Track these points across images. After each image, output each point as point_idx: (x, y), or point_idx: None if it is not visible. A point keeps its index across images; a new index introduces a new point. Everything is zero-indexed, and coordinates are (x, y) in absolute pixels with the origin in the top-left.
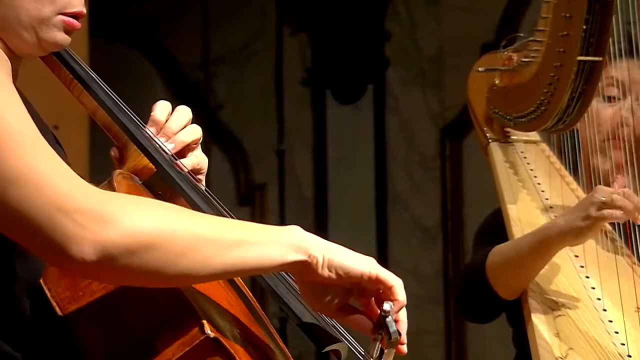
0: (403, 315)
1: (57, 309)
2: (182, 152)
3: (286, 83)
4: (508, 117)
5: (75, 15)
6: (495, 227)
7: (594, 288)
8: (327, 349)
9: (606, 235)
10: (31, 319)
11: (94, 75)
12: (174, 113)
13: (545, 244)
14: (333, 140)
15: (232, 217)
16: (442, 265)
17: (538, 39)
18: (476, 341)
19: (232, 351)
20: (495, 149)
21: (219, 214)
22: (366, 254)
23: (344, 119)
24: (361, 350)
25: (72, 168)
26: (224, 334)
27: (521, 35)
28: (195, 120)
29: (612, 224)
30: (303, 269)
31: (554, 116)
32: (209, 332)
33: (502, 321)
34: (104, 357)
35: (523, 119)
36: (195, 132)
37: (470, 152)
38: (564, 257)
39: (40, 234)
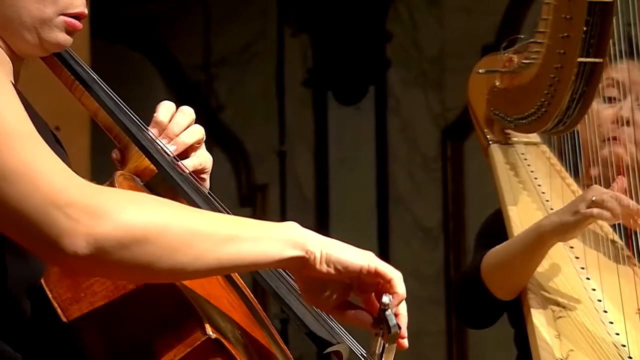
0: (403, 308)
1: (59, 310)
2: (186, 153)
3: (287, 84)
4: (508, 118)
5: (76, 16)
6: (496, 229)
7: (594, 290)
8: (329, 350)
9: (607, 237)
10: (32, 319)
11: (95, 76)
12: (176, 114)
13: (537, 238)
14: (334, 141)
15: None
16: (443, 267)
17: (538, 41)
18: (477, 342)
19: (233, 352)
20: (495, 150)
21: None
22: None
23: (345, 120)
24: (362, 351)
25: (73, 169)
26: (225, 335)
27: (521, 36)
28: (196, 121)
29: (613, 226)
30: (300, 265)
31: (554, 118)
32: (210, 333)
33: (503, 323)
34: (105, 357)
35: (523, 121)
36: (197, 133)
37: (471, 153)
38: (565, 259)
39: (33, 229)
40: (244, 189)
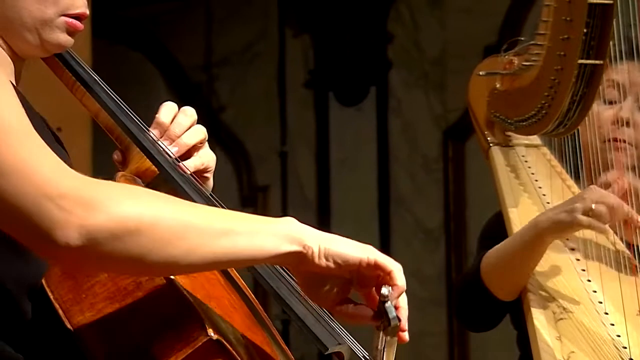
0: (403, 301)
1: (60, 312)
2: (188, 153)
3: (289, 85)
4: (509, 120)
5: (78, 17)
6: (497, 231)
7: (595, 291)
8: (330, 351)
9: (608, 239)
10: (33, 320)
11: (96, 77)
12: (178, 115)
13: (535, 236)
14: (336, 142)
15: None
16: (444, 267)
17: (539, 43)
18: (479, 343)
19: (234, 353)
20: (496, 152)
21: None
22: None
23: (346, 121)
24: (364, 352)
25: (75, 170)
26: (226, 336)
27: (522, 39)
28: (197, 121)
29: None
30: (298, 260)
31: (554, 120)
32: (212, 334)
33: (504, 324)
34: (106, 358)
35: (524, 123)
36: (199, 134)
37: (472, 154)
38: (566, 261)
39: (26, 221)
40: (245, 190)
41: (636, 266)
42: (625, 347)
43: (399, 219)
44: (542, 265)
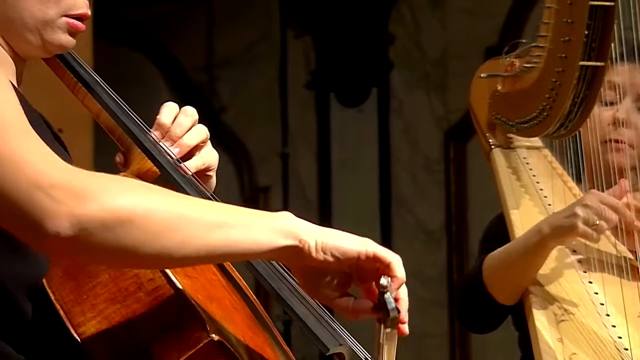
0: (403, 293)
1: (61, 312)
2: (190, 153)
3: (290, 86)
4: (510, 122)
5: (79, 17)
6: (498, 233)
7: (597, 293)
8: (331, 351)
9: (609, 240)
10: (34, 321)
11: (97, 78)
12: (179, 115)
13: (537, 241)
14: (337, 143)
15: None
16: (446, 269)
17: (540, 45)
18: (480, 345)
19: (235, 354)
20: (497, 154)
21: None
22: None
23: (348, 121)
24: (365, 353)
25: None
26: (227, 337)
27: (523, 41)
28: (199, 122)
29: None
30: (294, 255)
31: (556, 121)
32: (213, 335)
33: (506, 325)
34: (107, 359)
35: (525, 125)
36: (200, 134)
37: (474, 155)
38: (567, 262)
39: (17, 211)
40: (247, 191)
41: (637, 268)
42: (627, 349)
43: (401, 220)
44: (543, 267)
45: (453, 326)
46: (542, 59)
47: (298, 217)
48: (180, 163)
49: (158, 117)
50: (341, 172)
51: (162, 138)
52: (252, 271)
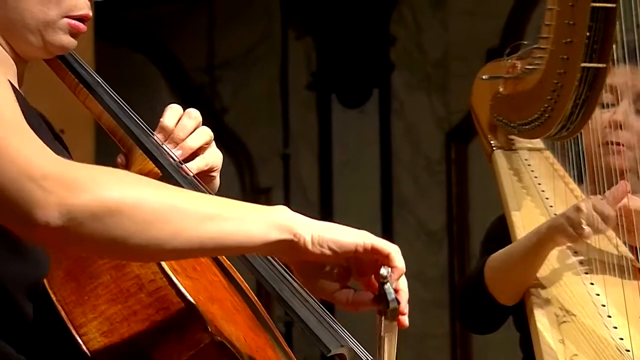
0: (403, 284)
1: (63, 313)
2: (193, 154)
3: (291, 87)
4: (512, 124)
5: (81, 18)
6: (500, 235)
7: (598, 294)
8: (333, 353)
9: (611, 242)
10: (35, 321)
11: (99, 79)
12: (182, 118)
13: (537, 242)
14: (338, 144)
15: None
16: (447, 270)
17: (542, 46)
18: (481, 345)
19: (237, 355)
20: (499, 156)
21: None
22: None
23: (349, 122)
24: (367, 354)
25: None
26: (228, 339)
27: (525, 42)
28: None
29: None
30: (289, 249)
31: (557, 123)
32: (214, 336)
33: (507, 326)
34: None
35: (527, 126)
36: (204, 136)
37: (475, 156)
38: (569, 264)
39: (9, 202)
40: (248, 192)
41: (639, 269)
42: (628, 350)
43: (402, 221)
44: (545, 268)
45: (454, 327)
46: (544, 61)
47: None
48: (182, 164)
49: (161, 119)
50: (342, 173)
51: (165, 140)
52: (253, 272)
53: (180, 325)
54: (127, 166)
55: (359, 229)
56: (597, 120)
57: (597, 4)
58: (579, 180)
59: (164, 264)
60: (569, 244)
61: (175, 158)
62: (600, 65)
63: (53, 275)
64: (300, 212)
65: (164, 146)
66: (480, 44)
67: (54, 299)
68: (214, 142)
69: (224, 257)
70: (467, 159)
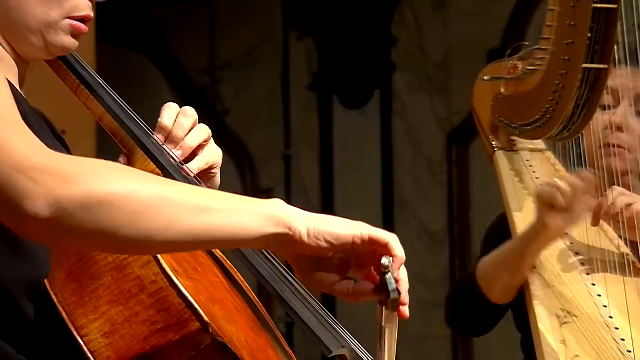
0: (403, 274)
1: (64, 314)
2: (193, 153)
3: (293, 88)
4: (513, 125)
5: (82, 19)
6: (500, 234)
7: (600, 295)
8: (334, 353)
9: (612, 243)
10: (36, 322)
11: (100, 80)
12: (179, 117)
13: (527, 233)
14: (339, 145)
15: None
16: (448, 270)
17: (543, 47)
18: (482, 347)
19: (238, 356)
20: (500, 157)
21: None
22: None
23: (350, 124)
24: (368, 355)
25: None
26: (230, 339)
27: (526, 43)
28: (202, 124)
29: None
30: (285, 243)
31: (559, 124)
32: (216, 336)
33: (508, 327)
34: None
35: (528, 127)
36: (202, 134)
37: (476, 157)
38: (570, 264)
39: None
40: (249, 193)
41: None
42: (630, 351)
43: (403, 222)
44: (546, 269)
45: None
46: (545, 62)
47: None
48: (183, 165)
49: (159, 119)
50: (344, 174)
51: (165, 140)
52: (254, 273)
53: (182, 327)
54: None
55: None
56: (598, 122)
57: (599, 5)
58: None
59: (165, 265)
60: (570, 244)
61: (176, 159)
62: (601, 66)
63: (54, 276)
64: None
65: (164, 147)
66: (481, 45)
67: (55, 300)
68: (212, 140)
69: (225, 258)
70: (468, 159)
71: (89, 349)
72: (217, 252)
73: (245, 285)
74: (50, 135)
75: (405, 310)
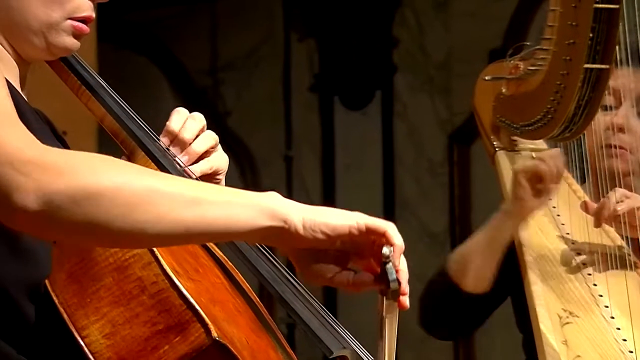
0: (403, 264)
1: (65, 316)
2: (199, 159)
3: (294, 89)
4: (515, 125)
5: (84, 20)
6: None
7: (601, 296)
8: (335, 354)
9: (614, 243)
10: (37, 323)
11: (101, 81)
12: (187, 121)
13: (501, 216)
14: (341, 146)
15: None
16: None
17: (544, 47)
18: (484, 347)
19: (239, 357)
20: (502, 157)
21: None
22: None
23: (351, 125)
24: (369, 356)
25: None
26: (231, 340)
27: (528, 43)
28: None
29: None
30: (280, 236)
31: (560, 124)
32: (217, 338)
33: (510, 327)
34: None
35: (530, 127)
36: (209, 140)
37: (478, 157)
38: (572, 265)
39: None
40: None
41: None
42: (632, 352)
43: (404, 223)
44: (547, 270)
45: None
46: (547, 62)
47: None
48: (185, 167)
49: (168, 123)
50: (345, 175)
51: (171, 143)
52: (255, 274)
53: (183, 327)
54: None
55: None
56: (599, 123)
57: (600, 5)
58: (582, 181)
59: (166, 266)
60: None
61: (182, 164)
62: (603, 66)
63: (55, 277)
64: None
65: (170, 151)
66: (482, 46)
67: (56, 301)
68: (220, 146)
69: (226, 259)
70: (469, 160)
71: (90, 350)
72: (219, 253)
73: (246, 286)
74: (52, 136)
75: (406, 300)
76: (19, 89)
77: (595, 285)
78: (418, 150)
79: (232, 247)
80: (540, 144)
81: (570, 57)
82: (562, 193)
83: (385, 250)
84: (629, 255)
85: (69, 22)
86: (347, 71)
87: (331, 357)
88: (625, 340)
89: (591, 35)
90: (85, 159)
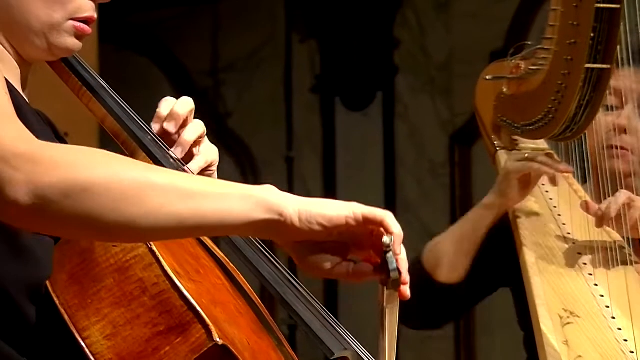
0: (403, 252)
1: (66, 317)
2: (190, 152)
3: (295, 90)
4: (516, 125)
5: (85, 21)
6: (501, 234)
7: (602, 295)
8: (336, 355)
9: (615, 243)
10: (38, 324)
11: (102, 82)
12: (175, 104)
13: (483, 208)
14: (342, 147)
15: None
16: None
17: (546, 47)
18: (484, 348)
19: (240, 358)
20: (503, 157)
21: None
22: None
23: (353, 126)
24: (370, 357)
25: None
26: (232, 342)
27: (529, 43)
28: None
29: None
30: (276, 230)
31: (562, 124)
32: (218, 339)
33: (511, 327)
34: None
35: (531, 127)
36: (198, 128)
37: (479, 158)
38: (573, 265)
39: None
40: None
41: None
42: (633, 352)
43: (406, 224)
44: (548, 270)
45: (458, 329)
46: (548, 62)
47: None
48: (184, 165)
49: (157, 110)
50: (346, 176)
51: (160, 128)
52: (257, 276)
53: (184, 329)
54: None
55: None
56: (601, 123)
57: (602, 5)
58: (583, 181)
59: (167, 267)
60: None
61: (176, 158)
62: (604, 66)
63: (56, 278)
64: None
65: (170, 151)
66: (484, 47)
67: (57, 302)
68: (206, 137)
69: (227, 260)
70: (470, 161)
71: (90, 351)
72: (220, 254)
73: (247, 287)
74: (53, 137)
75: (406, 289)
76: (20, 90)
77: (596, 285)
78: (419, 151)
79: (234, 247)
80: (541, 143)
81: (571, 57)
82: (563, 193)
83: (386, 239)
84: (630, 255)
85: (71, 22)
86: (349, 72)
87: (332, 358)
88: (626, 340)
89: (592, 35)
90: (78, 152)
